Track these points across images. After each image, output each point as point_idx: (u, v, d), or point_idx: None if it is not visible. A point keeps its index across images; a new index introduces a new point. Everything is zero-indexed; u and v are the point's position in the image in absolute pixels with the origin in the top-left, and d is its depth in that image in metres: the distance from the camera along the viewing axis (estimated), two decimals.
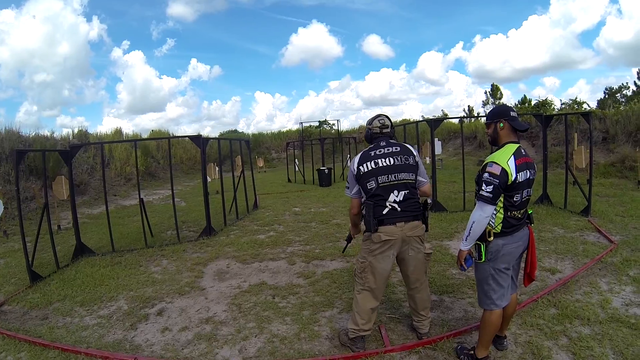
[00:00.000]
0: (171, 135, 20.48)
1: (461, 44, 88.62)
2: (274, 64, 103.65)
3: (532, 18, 79.92)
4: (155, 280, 4.56)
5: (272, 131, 29.48)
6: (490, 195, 2.22)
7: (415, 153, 2.74)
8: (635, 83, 28.99)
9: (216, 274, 4.66)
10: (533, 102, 22.57)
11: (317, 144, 16.95)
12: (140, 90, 79.61)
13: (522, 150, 2.36)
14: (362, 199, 2.74)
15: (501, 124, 2.38)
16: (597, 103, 27.57)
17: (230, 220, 7.63)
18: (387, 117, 2.84)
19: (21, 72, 71.19)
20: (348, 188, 2.83)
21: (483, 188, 2.25)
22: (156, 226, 7.55)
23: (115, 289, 4.33)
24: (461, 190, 7.69)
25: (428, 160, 10.81)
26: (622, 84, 30.20)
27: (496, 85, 33.08)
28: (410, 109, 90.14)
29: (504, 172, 2.21)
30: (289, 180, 15.18)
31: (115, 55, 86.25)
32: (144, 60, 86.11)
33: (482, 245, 2.35)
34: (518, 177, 2.25)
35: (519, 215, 2.37)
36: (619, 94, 29.73)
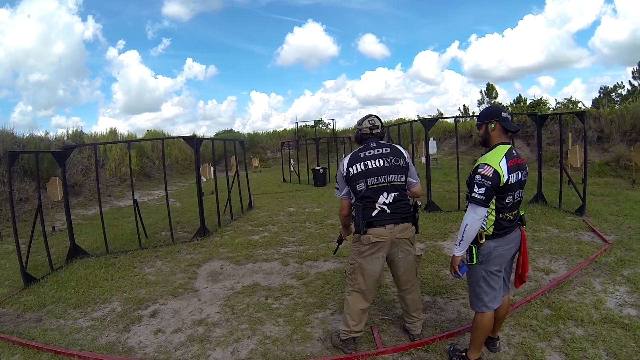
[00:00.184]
0: (166, 135, 20.41)
1: (457, 43, 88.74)
2: (270, 64, 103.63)
3: (528, 17, 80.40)
4: (149, 281, 4.57)
5: (268, 131, 29.49)
6: (483, 198, 2.20)
7: (405, 154, 2.73)
8: (630, 82, 29.16)
9: (210, 275, 4.68)
10: (528, 102, 22.70)
11: (312, 144, 16.96)
12: (135, 90, 79.35)
13: (514, 152, 2.35)
14: (352, 200, 2.73)
15: (492, 125, 2.36)
16: (593, 102, 27.68)
17: (224, 220, 7.64)
18: (377, 117, 2.82)
19: (16, 72, 70.66)
20: (338, 189, 2.82)
21: (475, 190, 2.22)
22: (151, 227, 7.55)
23: (109, 291, 4.34)
24: (456, 189, 7.73)
25: (423, 159, 10.86)
26: (617, 83, 30.33)
27: (491, 85, 33.23)
28: (406, 108, 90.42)
29: (496, 173, 2.19)
30: (284, 180, 15.18)
31: (110, 55, 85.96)
32: (140, 60, 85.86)
33: (473, 248, 2.33)
34: (510, 178, 2.23)
35: (511, 217, 2.35)
36: (614, 93, 29.88)
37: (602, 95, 30.07)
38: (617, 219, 5.91)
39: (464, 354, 2.55)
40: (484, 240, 2.31)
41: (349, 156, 2.74)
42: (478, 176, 2.22)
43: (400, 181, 2.66)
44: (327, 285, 4.08)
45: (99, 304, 4.01)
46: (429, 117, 9.91)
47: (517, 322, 3.02)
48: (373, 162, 2.64)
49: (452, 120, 17.55)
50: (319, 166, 13.70)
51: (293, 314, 3.47)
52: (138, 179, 15.17)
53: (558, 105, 21.61)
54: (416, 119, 16.99)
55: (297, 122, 20.07)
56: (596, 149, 11.53)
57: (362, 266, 2.65)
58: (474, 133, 17.60)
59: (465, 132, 18.12)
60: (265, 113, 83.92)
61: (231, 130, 36.93)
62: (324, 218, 7.50)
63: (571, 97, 20.26)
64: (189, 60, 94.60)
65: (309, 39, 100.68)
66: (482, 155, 2.38)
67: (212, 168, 9.90)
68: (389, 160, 2.65)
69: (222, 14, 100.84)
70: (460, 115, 30.02)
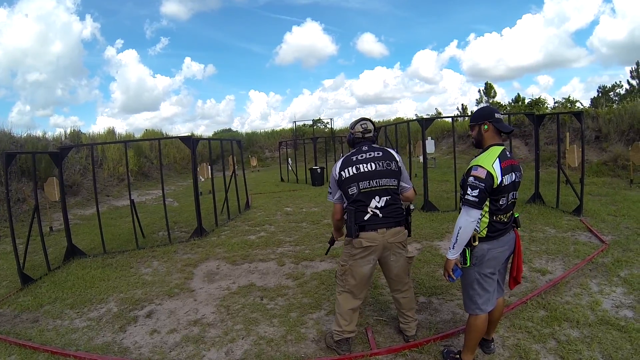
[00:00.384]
0: (164, 135, 20.44)
1: (455, 42, 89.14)
2: (268, 63, 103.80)
3: (526, 17, 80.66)
4: (145, 281, 4.59)
5: (266, 130, 29.50)
6: (476, 200, 2.18)
7: (397, 158, 2.73)
8: (628, 82, 29.23)
9: (206, 275, 4.70)
10: (526, 101, 22.73)
11: (309, 143, 16.97)
12: (134, 89, 79.33)
13: (507, 153, 2.32)
14: (344, 204, 2.73)
15: (485, 126, 2.34)
16: (591, 101, 27.79)
17: (221, 220, 7.67)
18: (370, 121, 2.83)
19: (14, 72, 70.54)
20: (330, 193, 2.82)
21: (469, 192, 2.20)
22: (148, 227, 7.57)
23: (105, 291, 4.36)
24: (453, 189, 7.74)
25: (421, 159, 10.88)
26: (616, 83, 30.39)
27: (489, 84, 33.26)
28: (405, 107, 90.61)
29: (489, 175, 2.17)
30: (282, 180, 15.21)
31: (108, 54, 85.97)
32: (138, 59, 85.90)
33: (467, 250, 2.30)
34: (504, 180, 2.21)
35: (505, 219, 2.33)
36: (612, 93, 29.93)
37: (600, 94, 30.12)
38: (615, 219, 5.89)
39: (458, 356, 2.54)
40: (477, 242, 2.29)
41: (341, 160, 2.75)
42: (471, 178, 2.21)
43: (393, 185, 2.65)
44: (322, 285, 4.10)
45: (95, 304, 4.04)
46: (426, 117, 9.92)
47: (512, 324, 3.01)
48: (365, 165, 2.64)
49: (449, 119, 17.61)
50: (316, 166, 13.73)
51: (288, 314, 3.49)
52: (136, 178, 15.17)
53: (556, 104, 21.64)
54: (414, 118, 17.02)
55: (295, 122, 20.09)
56: (594, 148, 11.55)
57: (353, 268, 2.66)
58: None
59: (463, 132, 18.14)
60: (263, 112, 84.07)
61: (229, 130, 36.92)
62: (320, 218, 7.52)
63: (569, 97, 20.31)
64: (188, 60, 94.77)
65: (308, 38, 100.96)
66: (476, 156, 2.35)
67: (209, 168, 9.91)
68: (381, 164, 2.65)
69: (220, 13, 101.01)
70: (458, 114, 30.05)
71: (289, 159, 15.87)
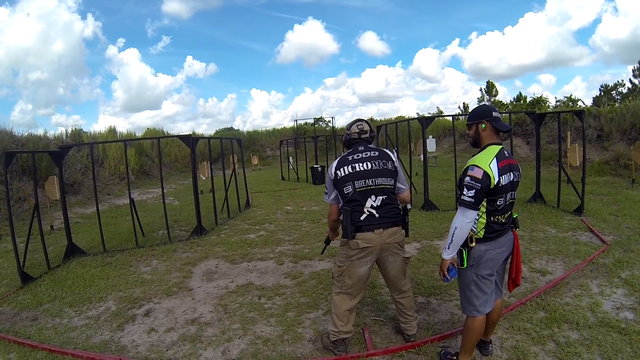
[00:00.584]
0: (165, 133, 20.47)
1: (457, 40, 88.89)
2: (270, 61, 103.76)
3: (528, 15, 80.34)
4: (144, 280, 4.61)
5: (267, 129, 29.52)
6: (472, 200, 2.14)
7: (394, 158, 2.72)
8: (630, 81, 29.03)
9: (205, 274, 4.71)
10: (528, 100, 22.62)
11: (310, 142, 16.97)
12: (135, 88, 79.36)
13: (505, 152, 2.28)
14: (340, 205, 2.72)
15: (483, 125, 2.30)
16: (593, 100, 27.61)
17: (222, 219, 7.68)
18: (366, 122, 2.82)
19: (15, 71, 70.70)
20: (326, 194, 2.81)
21: (464, 193, 2.17)
22: (148, 225, 7.60)
23: (104, 290, 4.38)
24: (454, 188, 7.72)
25: (422, 157, 10.86)
26: (618, 82, 30.19)
27: (491, 82, 33.07)
28: (407, 106, 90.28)
29: (486, 175, 2.13)
30: (283, 178, 15.22)
31: (110, 53, 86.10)
32: (140, 57, 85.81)
33: (463, 251, 2.28)
34: (501, 180, 2.17)
35: (503, 220, 2.29)
36: (614, 92, 29.76)
37: (602, 93, 29.96)
38: (616, 219, 5.84)
39: (455, 358, 2.52)
40: (474, 243, 2.26)
41: (337, 160, 2.74)
42: (467, 178, 2.17)
43: (389, 184, 2.64)
44: (320, 285, 4.10)
45: (94, 303, 4.06)
46: (425, 116, 9.90)
47: (510, 325, 2.98)
48: (361, 164, 2.63)
49: (450, 118, 17.57)
50: (317, 164, 13.73)
51: (285, 314, 3.49)
52: (137, 177, 15.21)
53: (558, 103, 21.53)
54: (416, 116, 16.99)
55: (296, 120, 20.08)
56: (596, 147, 11.48)
57: (350, 269, 2.65)
58: None
59: (464, 130, 17.90)
60: (265, 111, 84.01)
61: (231, 128, 36.86)
62: (320, 216, 7.52)
63: (571, 95, 20.16)
64: (189, 58, 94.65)
65: (309, 36, 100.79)
66: (473, 156, 2.32)
67: (209, 166, 9.93)
68: (377, 163, 2.64)
69: (222, 12, 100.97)
70: (459, 113, 29.96)
71: (290, 158, 15.87)
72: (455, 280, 2.45)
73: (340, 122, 51.00)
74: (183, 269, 4.90)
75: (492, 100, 29.85)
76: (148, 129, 22.44)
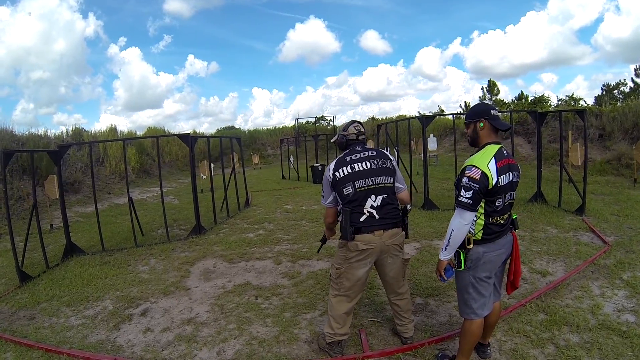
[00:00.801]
0: (166, 132, 20.50)
1: (459, 39, 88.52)
2: (271, 60, 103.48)
3: (530, 14, 79.97)
4: (141, 280, 4.61)
5: (269, 127, 29.48)
6: (470, 201, 2.08)
7: (391, 157, 2.72)
8: (632, 80, 28.88)
9: (202, 273, 4.71)
10: (530, 99, 22.53)
11: (311, 141, 16.96)
12: (137, 87, 79.31)
13: (504, 152, 2.22)
14: (339, 207, 2.68)
15: (481, 124, 2.25)
16: (595, 99, 27.47)
17: (221, 218, 7.68)
18: (361, 123, 2.82)
19: (17, 70, 70.69)
20: (323, 197, 2.77)
21: (462, 194, 2.10)
22: (147, 224, 7.60)
23: (102, 289, 4.37)
24: (454, 187, 7.67)
25: (422, 156, 10.84)
26: (620, 81, 29.99)
27: (493, 81, 32.90)
28: (408, 105, 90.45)
29: (484, 176, 2.07)
30: (283, 177, 15.21)
31: (111, 52, 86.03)
32: (141, 56, 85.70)
33: (461, 253, 2.21)
34: (499, 180, 2.11)
35: (502, 221, 2.23)
36: (616, 91, 29.61)
37: (604, 92, 29.82)
38: (618, 219, 5.78)
39: None
40: (472, 245, 2.19)
41: (334, 161, 2.70)
42: (465, 179, 2.11)
43: (389, 183, 2.62)
44: (318, 285, 4.07)
45: (91, 302, 4.05)
46: (426, 115, 9.87)
47: (510, 327, 2.93)
48: (360, 164, 2.60)
49: (451, 117, 17.52)
50: (317, 163, 13.72)
51: (281, 314, 3.47)
52: (138, 176, 15.23)
53: (559, 102, 21.44)
54: (416, 115, 16.94)
55: (297, 119, 20.06)
56: (597, 147, 11.42)
57: (348, 271, 2.61)
58: None
59: (465, 129, 18.06)
60: (267, 109, 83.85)
61: (233, 127, 36.87)
62: (320, 216, 7.49)
63: (572, 94, 20.11)
64: (191, 57, 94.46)
65: (311, 35, 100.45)
66: (471, 155, 2.26)
67: (209, 165, 9.93)
68: (376, 162, 2.62)
69: (223, 11, 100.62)
70: (461, 112, 29.89)
71: (291, 157, 15.87)
72: (453, 281, 2.41)
73: (342, 121, 50.81)
74: (181, 268, 4.90)
75: (494, 99, 29.73)
76: (149, 127, 22.51)
